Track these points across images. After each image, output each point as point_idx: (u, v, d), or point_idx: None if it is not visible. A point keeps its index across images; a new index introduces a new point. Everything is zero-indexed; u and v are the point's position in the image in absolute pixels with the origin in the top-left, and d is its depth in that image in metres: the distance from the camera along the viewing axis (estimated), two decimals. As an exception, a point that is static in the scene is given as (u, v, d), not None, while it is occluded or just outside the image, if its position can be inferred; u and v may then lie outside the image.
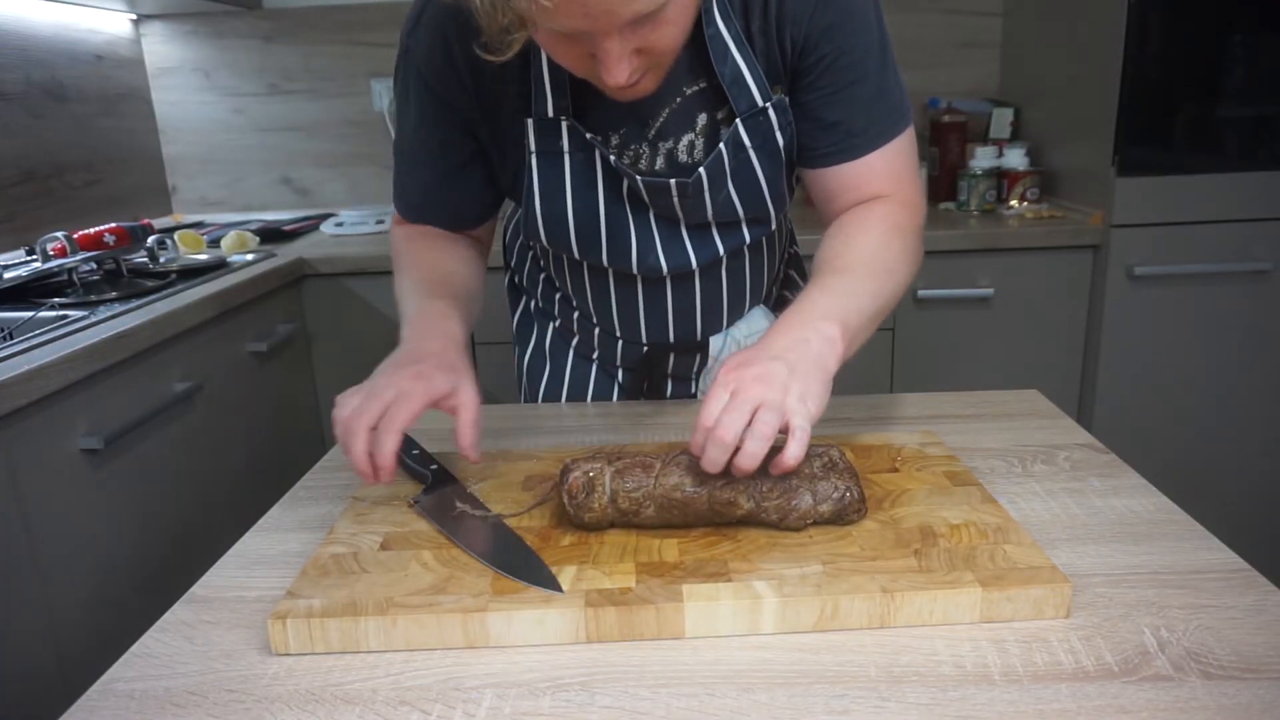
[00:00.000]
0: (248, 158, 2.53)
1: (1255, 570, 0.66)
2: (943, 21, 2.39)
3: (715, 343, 1.05)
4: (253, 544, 0.78)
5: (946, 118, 2.27)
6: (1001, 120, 2.26)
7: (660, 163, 0.89)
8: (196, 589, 0.70)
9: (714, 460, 0.66)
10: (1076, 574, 0.67)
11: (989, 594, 0.61)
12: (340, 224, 2.22)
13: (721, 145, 0.86)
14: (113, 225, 1.76)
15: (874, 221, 0.88)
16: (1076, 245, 1.90)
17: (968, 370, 1.99)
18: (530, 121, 0.88)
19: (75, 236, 1.68)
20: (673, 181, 0.87)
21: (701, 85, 0.85)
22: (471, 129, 0.91)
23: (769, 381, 0.68)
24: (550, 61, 0.84)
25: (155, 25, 2.44)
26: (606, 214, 0.91)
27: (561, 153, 0.89)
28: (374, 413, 0.69)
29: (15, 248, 1.93)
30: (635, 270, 0.95)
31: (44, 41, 2.08)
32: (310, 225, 2.33)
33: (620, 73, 0.71)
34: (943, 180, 2.28)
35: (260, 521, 0.82)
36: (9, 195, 1.95)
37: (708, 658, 0.59)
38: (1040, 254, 1.91)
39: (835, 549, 0.67)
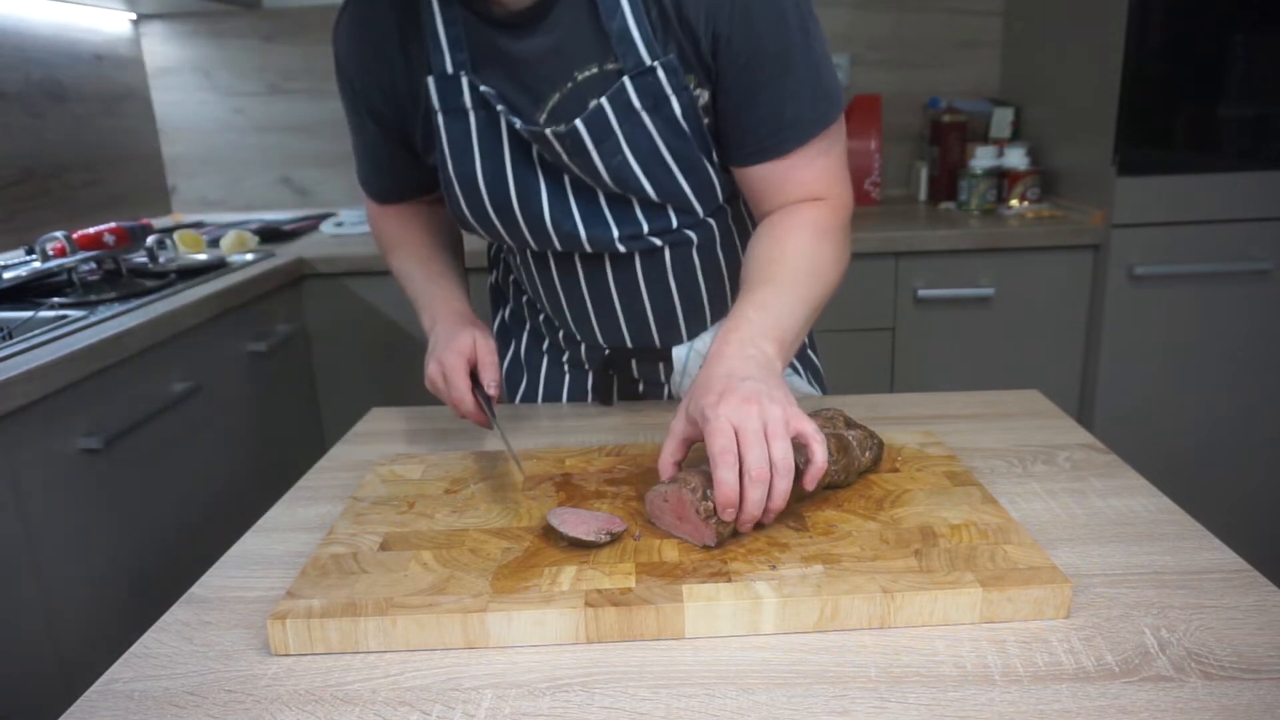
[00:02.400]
0: (247, 157, 2.53)
1: (1256, 570, 0.66)
2: (943, 21, 2.39)
3: (679, 353, 1.04)
4: (253, 544, 0.77)
5: (946, 118, 2.27)
6: (1001, 120, 2.26)
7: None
8: (196, 589, 0.70)
9: (755, 501, 0.66)
10: (1076, 574, 0.67)
11: (989, 594, 0.61)
12: (340, 224, 2.22)
13: (604, 99, 0.84)
14: (112, 225, 1.76)
15: (803, 225, 0.87)
16: (1076, 245, 1.90)
17: (968, 370, 1.99)
18: (431, 80, 0.88)
19: (75, 236, 1.67)
20: (548, 131, 0.86)
21: (593, 70, 0.84)
22: (394, 125, 0.95)
23: (759, 403, 0.68)
24: (445, 17, 0.86)
25: (155, 25, 2.44)
26: (514, 174, 0.91)
27: (465, 109, 0.89)
28: (448, 395, 0.92)
29: (15, 248, 1.93)
30: (556, 242, 0.94)
31: (44, 41, 2.08)
32: (310, 225, 2.33)
33: None
34: (943, 180, 2.28)
35: (260, 521, 0.82)
36: (9, 195, 1.95)
37: (708, 658, 0.59)
38: (1040, 254, 1.91)
39: (835, 549, 0.67)
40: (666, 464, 0.73)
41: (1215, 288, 1.89)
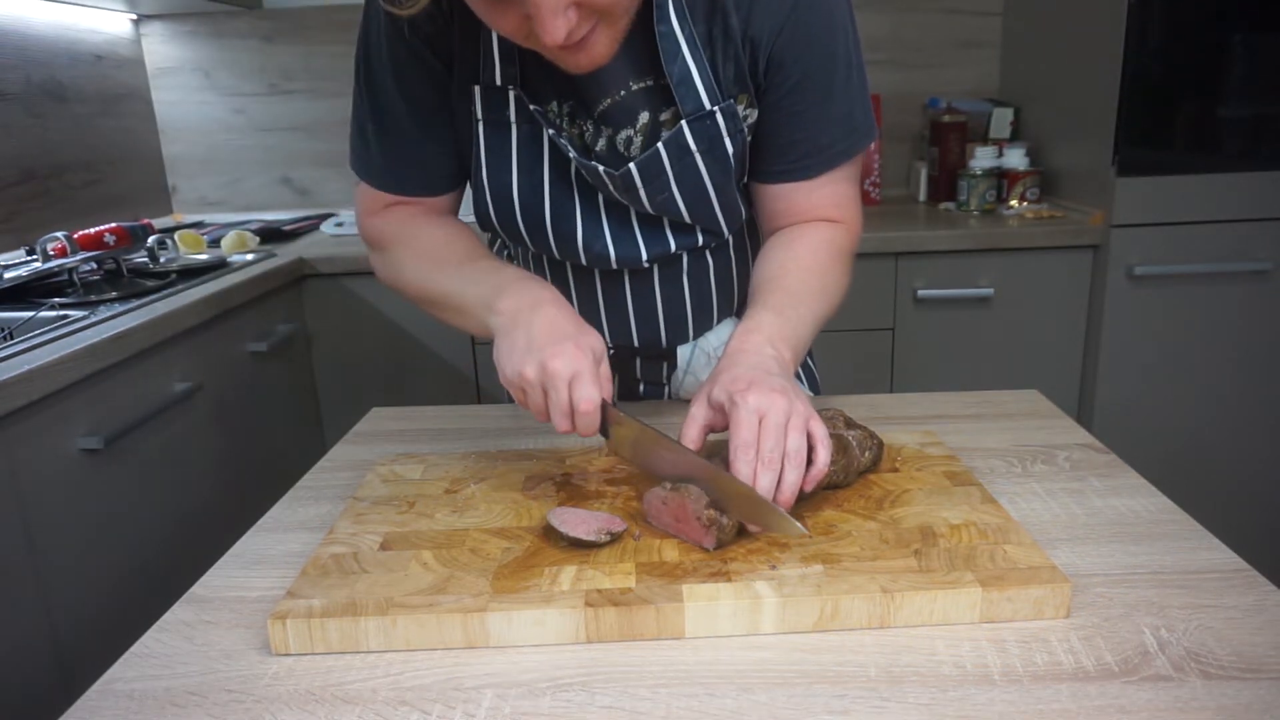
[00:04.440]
0: (247, 157, 2.53)
1: (1255, 570, 0.66)
2: (943, 21, 2.39)
3: (683, 352, 1.04)
4: (253, 544, 0.78)
5: (946, 118, 2.27)
6: (1001, 120, 2.26)
7: (602, 144, 0.88)
8: (196, 589, 0.70)
9: (765, 489, 0.67)
10: (1076, 574, 0.67)
11: (989, 594, 0.61)
12: (340, 224, 2.22)
13: (660, 145, 0.84)
14: (113, 225, 1.76)
15: (820, 243, 0.89)
16: (1076, 245, 1.90)
17: (968, 370, 1.99)
18: (478, 89, 0.87)
19: (75, 236, 1.68)
20: (601, 169, 0.86)
21: (648, 83, 0.84)
22: (444, 84, 0.89)
23: (786, 396, 0.69)
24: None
25: (155, 25, 2.44)
26: (551, 192, 0.90)
27: (509, 123, 0.88)
28: (564, 396, 0.73)
29: (15, 248, 1.93)
30: (584, 260, 0.94)
31: (44, 41, 2.08)
32: (310, 225, 2.33)
33: (557, 29, 0.66)
34: (943, 180, 2.28)
35: (260, 521, 0.82)
36: (9, 195, 1.95)
37: (708, 658, 0.59)
38: (1040, 254, 1.91)
39: (835, 549, 0.67)
40: (690, 444, 0.75)
41: (1214, 288, 1.89)
